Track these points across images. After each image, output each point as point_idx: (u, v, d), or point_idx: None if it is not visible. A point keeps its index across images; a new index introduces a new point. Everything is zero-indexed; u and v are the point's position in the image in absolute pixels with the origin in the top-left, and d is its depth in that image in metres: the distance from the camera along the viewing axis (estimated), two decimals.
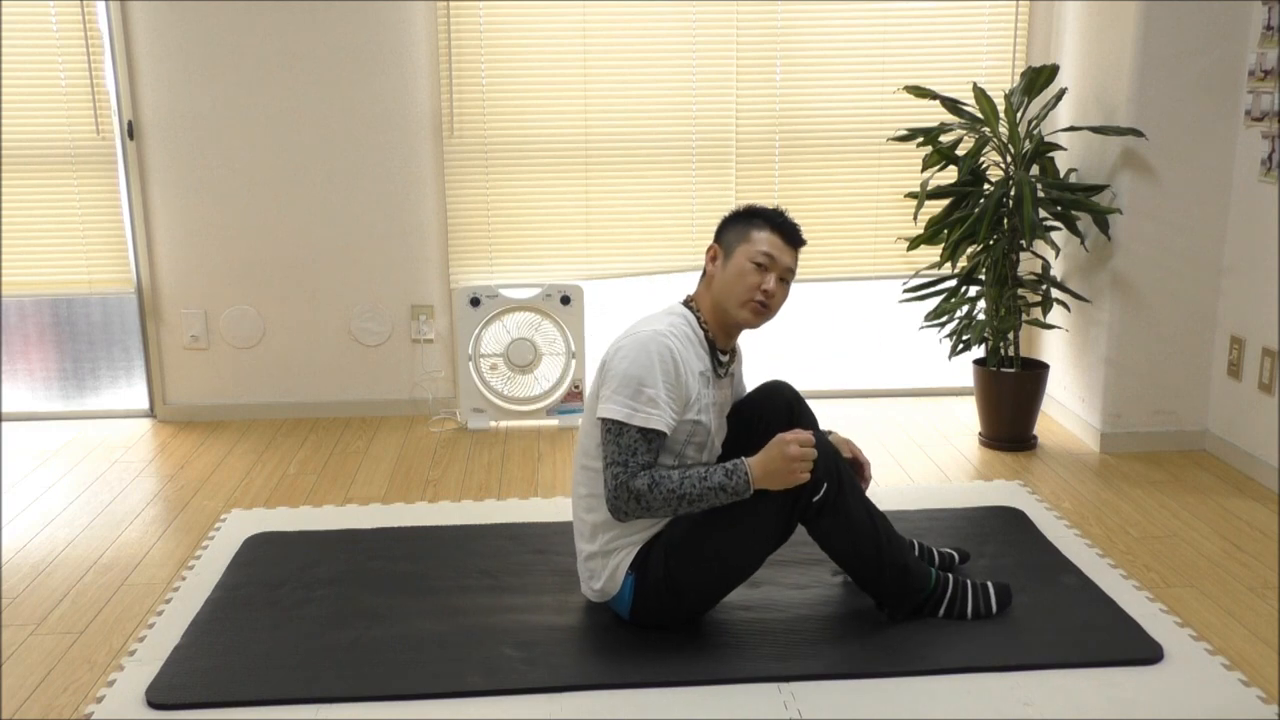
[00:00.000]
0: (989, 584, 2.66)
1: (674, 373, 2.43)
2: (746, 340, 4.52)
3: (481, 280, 4.30)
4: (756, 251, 2.53)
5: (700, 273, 2.64)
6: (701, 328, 2.58)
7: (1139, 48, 3.63)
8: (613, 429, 2.41)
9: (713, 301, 2.58)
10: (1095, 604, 2.70)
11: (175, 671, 2.44)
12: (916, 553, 2.84)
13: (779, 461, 2.36)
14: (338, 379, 4.37)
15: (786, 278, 2.59)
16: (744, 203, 2.67)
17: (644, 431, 2.40)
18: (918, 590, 2.59)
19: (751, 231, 2.56)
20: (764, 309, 2.55)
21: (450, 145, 4.19)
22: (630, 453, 2.40)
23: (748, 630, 2.57)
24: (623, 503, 2.40)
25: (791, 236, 2.59)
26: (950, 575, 2.64)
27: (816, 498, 2.42)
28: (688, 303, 2.63)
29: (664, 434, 2.43)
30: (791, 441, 2.36)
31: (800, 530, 2.53)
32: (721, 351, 2.62)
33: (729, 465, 2.39)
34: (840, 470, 2.47)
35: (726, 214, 2.65)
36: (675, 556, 2.46)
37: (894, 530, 2.60)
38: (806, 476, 2.38)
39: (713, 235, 2.65)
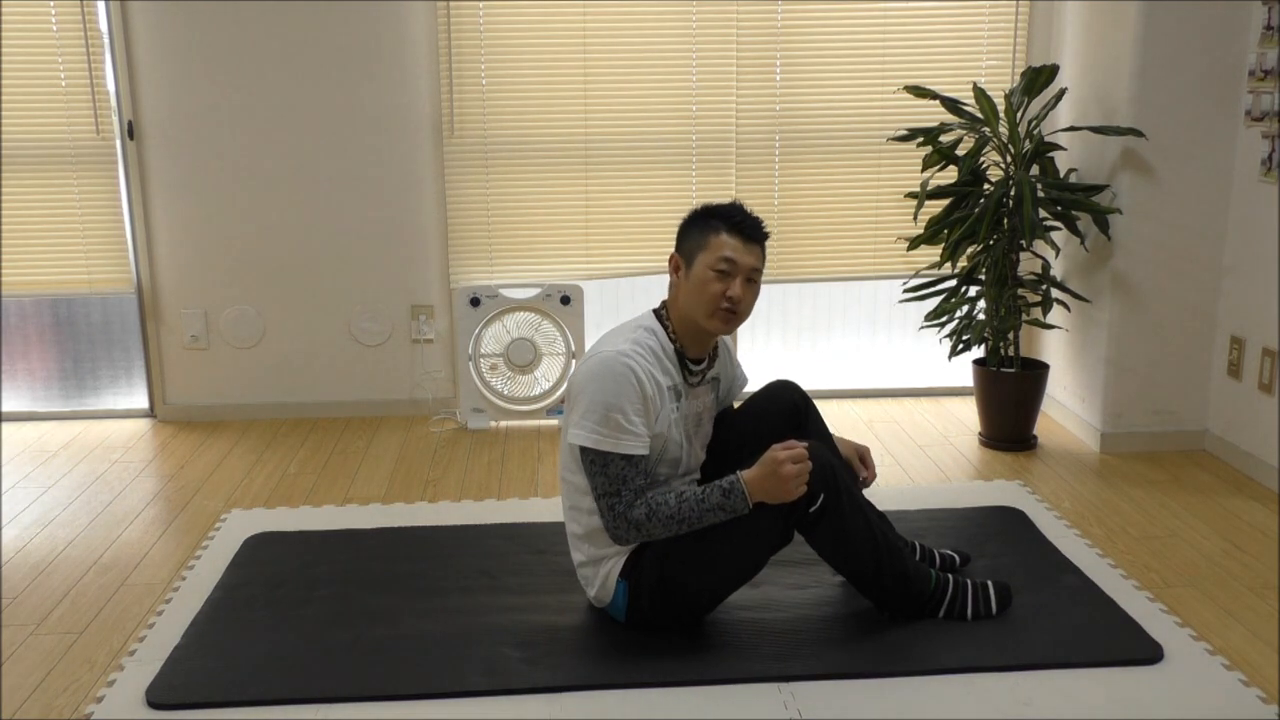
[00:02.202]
0: (989, 583, 2.65)
1: (640, 392, 2.39)
2: (747, 341, 4.55)
3: (481, 280, 4.30)
4: (717, 259, 2.43)
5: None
6: (671, 339, 2.52)
7: (1139, 48, 3.63)
8: (596, 460, 2.38)
9: (680, 313, 2.51)
10: (1095, 604, 2.70)
11: (175, 671, 2.44)
12: (917, 555, 2.83)
13: (773, 479, 2.32)
14: (338, 379, 4.37)
15: (753, 277, 2.49)
16: (700, 203, 2.58)
17: (627, 458, 2.37)
18: (918, 594, 2.58)
19: (709, 237, 2.46)
20: (733, 315, 2.46)
21: (450, 145, 4.19)
22: (621, 481, 2.38)
23: (748, 630, 2.57)
24: (623, 532, 2.40)
25: (751, 234, 2.47)
26: (950, 576, 2.64)
27: (813, 509, 2.40)
28: (659, 311, 2.56)
29: (646, 455, 2.41)
30: (785, 460, 2.31)
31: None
32: (694, 361, 2.57)
33: (725, 485, 2.36)
34: (838, 480, 2.44)
35: (684, 218, 2.56)
36: (670, 564, 2.45)
37: (894, 535, 2.59)
38: (803, 490, 2.35)
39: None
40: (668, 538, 2.43)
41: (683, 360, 2.54)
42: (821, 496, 2.40)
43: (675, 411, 2.50)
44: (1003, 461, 3.83)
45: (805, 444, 2.38)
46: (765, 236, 2.52)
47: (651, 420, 2.42)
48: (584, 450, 2.40)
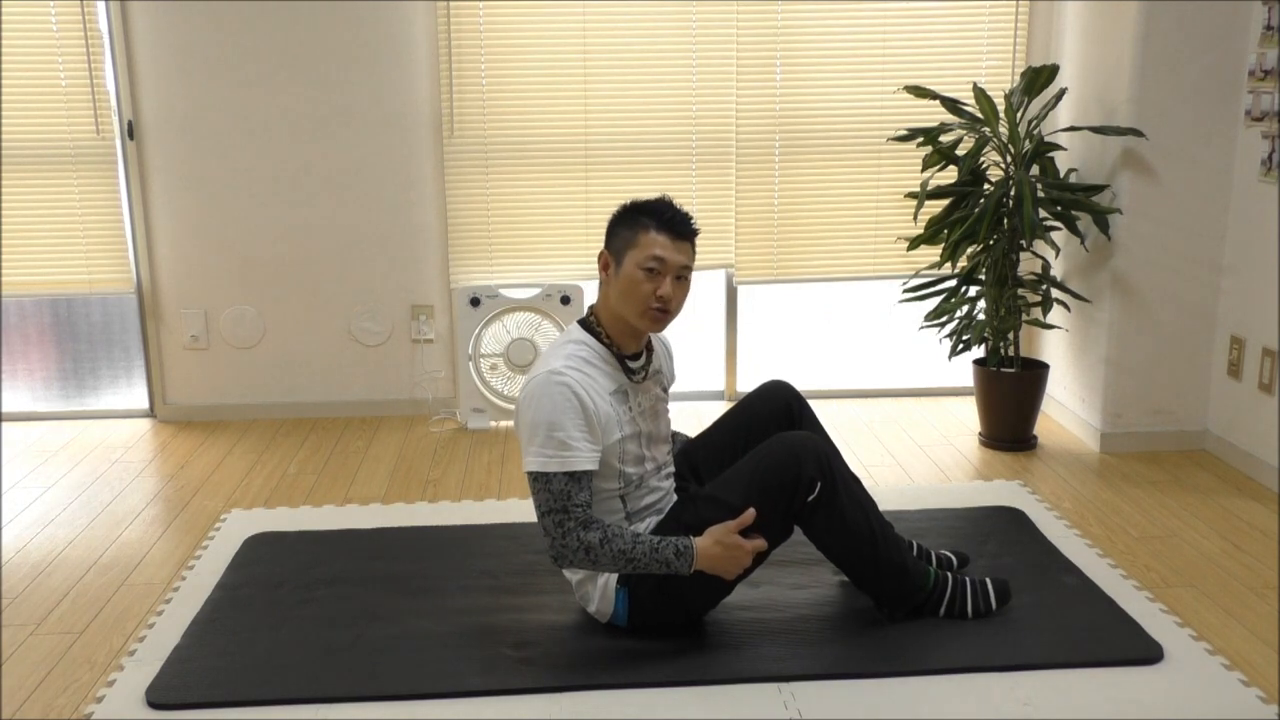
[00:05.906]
0: (988, 580, 2.66)
1: (580, 408, 2.35)
2: (747, 341, 4.55)
3: (481, 280, 4.30)
4: (646, 257, 2.39)
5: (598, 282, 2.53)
6: (604, 343, 2.48)
7: (1139, 48, 3.63)
8: (539, 479, 2.36)
9: (611, 312, 2.47)
10: (1095, 604, 2.70)
11: (175, 671, 2.44)
12: (915, 555, 2.83)
13: (728, 561, 2.38)
14: (338, 379, 4.37)
15: (683, 275, 2.44)
16: (630, 199, 2.51)
17: (569, 475, 2.35)
18: (916, 589, 2.58)
19: (638, 235, 2.41)
20: (664, 314, 2.44)
21: (450, 145, 4.19)
22: (565, 498, 2.34)
23: (748, 630, 2.57)
24: (570, 552, 2.36)
25: (680, 230, 2.42)
26: (949, 574, 2.64)
27: (811, 497, 2.41)
28: (588, 319, 2.51)
29: (590, 471, 2.38)
30: (750, 550, 2.37)
31: (800, 531, 2.53)
32: (632, 358, 2.53)
33: (680, 546, 2.37)
34: (834, 469, 2.45)
35: (613, 214, 2.51)
36: None
37: (891, 529, 2.59)
38: (748, 563, 2.39)
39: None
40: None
41: (621, 361, 2.50)
42: (819, 485, 2.41)
43: (627, 414, 2.47)
44: (1003, 461, 3.83)
45: (756, 527, 2.40)
46: (694, 233, 2.47)
47: (599, 435, 2.39)
48: (531, 474, 2.37)
